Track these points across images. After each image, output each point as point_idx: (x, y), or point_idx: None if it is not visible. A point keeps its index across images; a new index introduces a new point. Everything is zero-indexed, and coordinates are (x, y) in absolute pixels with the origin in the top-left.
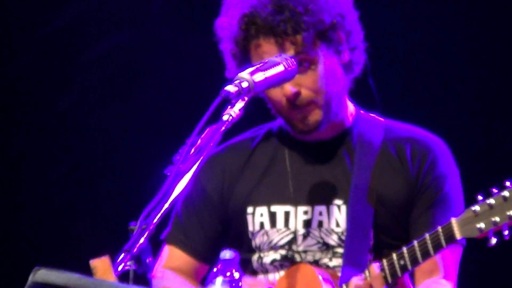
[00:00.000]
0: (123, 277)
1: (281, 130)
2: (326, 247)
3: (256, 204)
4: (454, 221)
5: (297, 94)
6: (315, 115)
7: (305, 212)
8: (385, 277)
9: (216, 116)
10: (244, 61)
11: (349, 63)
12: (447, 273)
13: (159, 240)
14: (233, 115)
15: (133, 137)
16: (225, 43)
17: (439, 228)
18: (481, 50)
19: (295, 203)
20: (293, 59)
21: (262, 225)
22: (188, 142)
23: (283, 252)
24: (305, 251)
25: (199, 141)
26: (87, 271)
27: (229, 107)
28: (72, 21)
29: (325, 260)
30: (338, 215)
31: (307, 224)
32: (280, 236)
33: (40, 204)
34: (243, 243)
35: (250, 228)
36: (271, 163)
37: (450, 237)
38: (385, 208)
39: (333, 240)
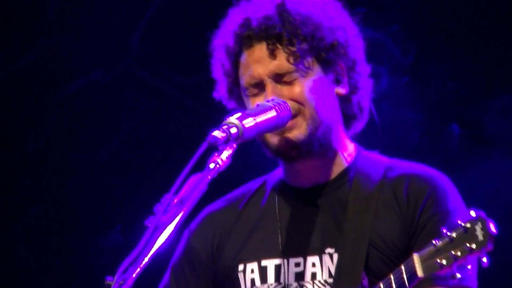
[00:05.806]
0: None
1: (276, 179)
2: None
3: (246, 260)
4: (415, 256)
5: None
6: (298, 130)
7: (297, 264)
8: None
9: (202, 164)
10: (234, 76)
11: (346, 97)
12: None
13: None
14: (220, 163)
15: (109, 184)
16: (217, 54)
17: (402, 266)
18: None
19: (286, 255)
20: (286, 104)
21: (253, 282)
22: (170, 191)
23: None
24: None
25: (183, 190)
26: None
27: (216, 154)
28: (42, 58)
29: None
30: (331, 264)
31: (300, 277)
32: None
33: (7, 255)
34: None
35: (242, 287)
36: (262, 216)
37: (412, 275)
38: (379, 253)
39: None
